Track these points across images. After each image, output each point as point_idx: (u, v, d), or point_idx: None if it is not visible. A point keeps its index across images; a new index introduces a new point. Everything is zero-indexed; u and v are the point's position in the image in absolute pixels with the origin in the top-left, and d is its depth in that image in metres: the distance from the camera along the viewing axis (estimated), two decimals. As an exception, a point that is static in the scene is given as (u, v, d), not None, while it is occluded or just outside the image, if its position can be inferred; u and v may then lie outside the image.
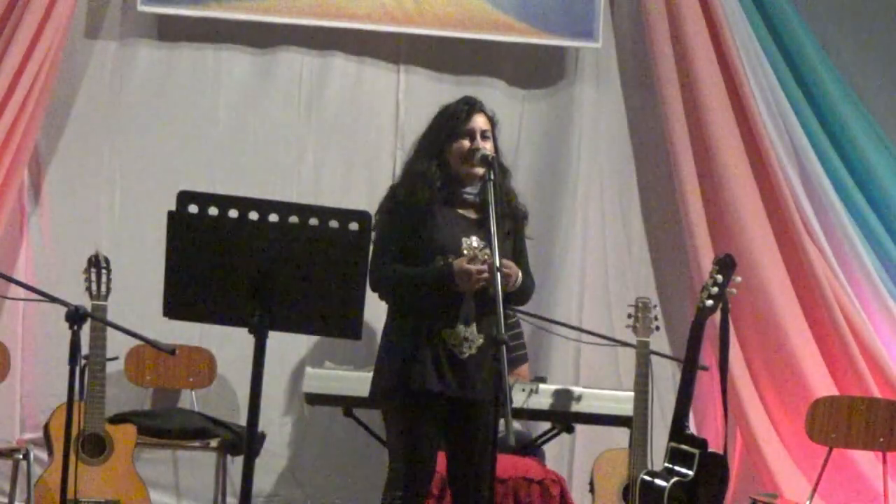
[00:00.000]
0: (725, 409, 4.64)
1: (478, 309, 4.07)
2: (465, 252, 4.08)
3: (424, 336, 4.05)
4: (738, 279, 4.29)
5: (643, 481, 4.52)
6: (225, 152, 6.03)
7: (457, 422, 4.12)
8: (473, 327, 4.07)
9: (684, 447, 4.37)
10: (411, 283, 4.09)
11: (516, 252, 4.23)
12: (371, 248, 3.94)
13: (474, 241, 4.10)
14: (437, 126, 4.19)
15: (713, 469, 4.39)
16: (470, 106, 4.17)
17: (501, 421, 3.80)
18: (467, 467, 4.14)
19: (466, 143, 4.12)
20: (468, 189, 4.16)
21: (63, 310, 3.84)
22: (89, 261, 5.33)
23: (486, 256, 4.05)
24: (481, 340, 4.07)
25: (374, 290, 4.09)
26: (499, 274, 3.84)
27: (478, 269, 3.97)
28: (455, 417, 4.12)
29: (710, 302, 4.29)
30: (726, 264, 4.31)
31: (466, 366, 4.07)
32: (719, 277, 4.28)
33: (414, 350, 4.06)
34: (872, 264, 6.00)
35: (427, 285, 4.07)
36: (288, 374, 5.63)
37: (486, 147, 4.11)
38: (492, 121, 4.20)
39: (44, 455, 5.51)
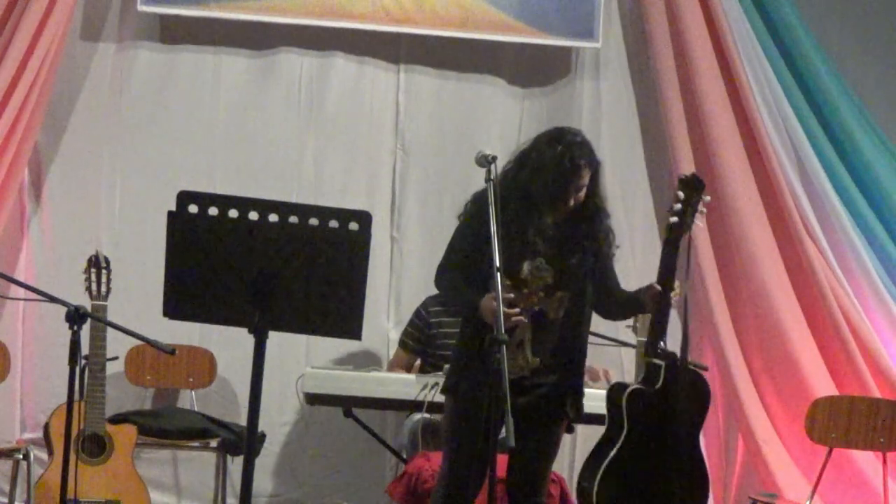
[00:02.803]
0: (686, 330, 4.64)
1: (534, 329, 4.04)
2: (523, 275, 4.04)
3: (478, 345, 4.05)
4: (708, 198, 4.24)
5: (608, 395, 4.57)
6: (225, 152, 6.02)
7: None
8: (527, 349, 4.06)
9: (655, 361, 4.38)
10: (455, 299, 4.26)
11: (605, 272, 4.23)
12: (447, 245, 4.14)
13: (537, 262, 4.07)
14: (559, 172, 4.10)
15: (691, 387, 4.37)
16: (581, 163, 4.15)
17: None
18: (524, 474, 4.18)
19: (571, 203, 4.13)
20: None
21: (63, 310, 3.84)
22: (89, 261, 5.32)
23: (547, 278, 4.04)
24: (536, 362, 4.05)
25: (436, 287, 4.22)
26: (498, 275, 3.82)
27: (507, 312, 3.85)
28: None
29: (674, 219, 4.22)
30: (691, 184, 4.22)
31: (519, 383, 4.03)
32: (680, 194, 4.20)
33: (469, 356, 4.10)
34: (872, 264, 6.00)
35: (462, 308, 4.19)
36: (288, 374, 5.63)
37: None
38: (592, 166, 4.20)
39: (44, 455, 5.51)
